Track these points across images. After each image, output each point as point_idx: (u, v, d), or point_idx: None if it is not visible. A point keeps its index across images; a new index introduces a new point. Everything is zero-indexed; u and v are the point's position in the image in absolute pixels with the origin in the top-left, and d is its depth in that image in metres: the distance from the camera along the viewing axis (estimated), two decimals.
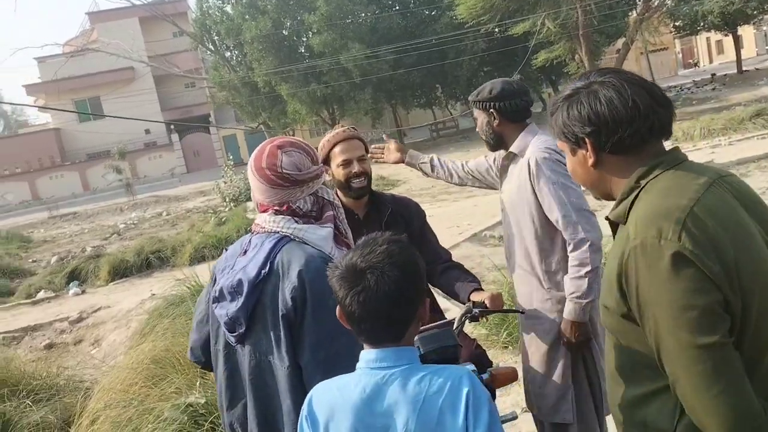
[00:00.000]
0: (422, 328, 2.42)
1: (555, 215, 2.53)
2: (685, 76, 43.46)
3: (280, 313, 1.74)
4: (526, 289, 2.71)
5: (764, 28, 43.87)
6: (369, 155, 2.87)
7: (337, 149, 2.70)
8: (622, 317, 1.35)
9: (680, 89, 30.85)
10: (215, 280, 1.92)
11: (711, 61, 51.81)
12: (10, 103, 43.91)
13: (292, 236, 1.83)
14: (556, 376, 2.64)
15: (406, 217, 2.81)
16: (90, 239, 18.65)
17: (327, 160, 2.75)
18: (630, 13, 27.79)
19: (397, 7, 31.65)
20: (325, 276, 1.62)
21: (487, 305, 2.45)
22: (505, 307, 2.64)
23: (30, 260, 16.25)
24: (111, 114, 37.26)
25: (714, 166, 1.46)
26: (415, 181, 18.87)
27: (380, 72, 28.21)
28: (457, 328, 2.33)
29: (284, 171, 1.83)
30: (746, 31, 40.53)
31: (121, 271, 11.14)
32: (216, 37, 31.98)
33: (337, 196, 2.80)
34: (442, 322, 2.43)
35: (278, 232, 1.84)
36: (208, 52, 34.36)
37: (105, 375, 4.72)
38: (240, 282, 1.80)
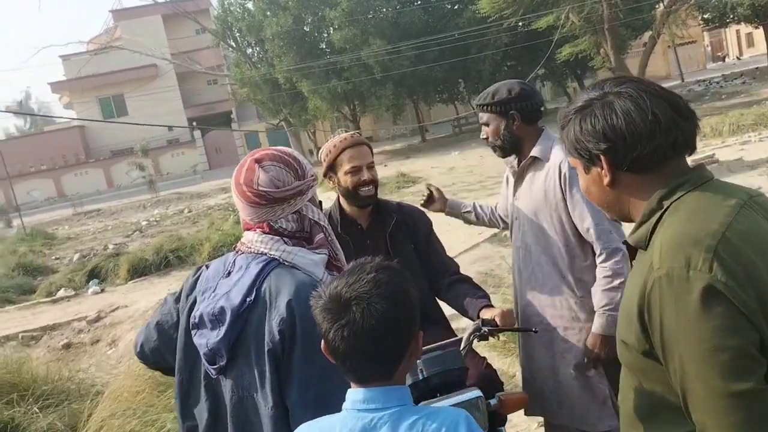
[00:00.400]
0: (428, 347, 2.29)
1: (587, 224, 2.39)
2: (714, 69, 42.57)
3: (266, 348, 1.57)
4: (552, 301, 2.53)
5: None
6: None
7: (345, 156, 2.55)
8: (642, 354, 1.19)
9: (709, 83, 30.22)
10: (194, 301, 1.74)
11: (741, 54, 50.67)
12: (28, 114, 44.41)
13: (281, 260, 1.66)
14: (595, 384, 2.51)
15: (412, 227, 2.67)
16: (112, 236, 18.79)
17: (332, 167, 2.60)
18: (657, 6, 27.24)
19: (419, 2, 31.39)
20: None
21: (498, 323, 2.31)
22: (516, 326, 2.50)
23: (53, 257, 16.40)
24: (130, 122, 37.61)
25: (743, 186, 1.30)
26: (436, 177, 18.69)
27: (402, 67, 27.99)
28: (464, 348, 2.19)
29: (260, 188, 1.66)
30: None
31: (140, 270, 11.15)
32: (237, 34, 32.04)
33: (340, 205, 2.66)
34: (449, 341, 2.29)
35: (266, 254, 1.67)
36: (230, 49, 34.46)
37: (115, 379, 4.66)
38: (222, 310, 1.62)
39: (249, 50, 33.17)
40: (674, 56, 38.06)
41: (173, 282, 9.52)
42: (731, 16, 31.56)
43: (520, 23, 25.22)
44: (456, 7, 31.07)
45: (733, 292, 1.06)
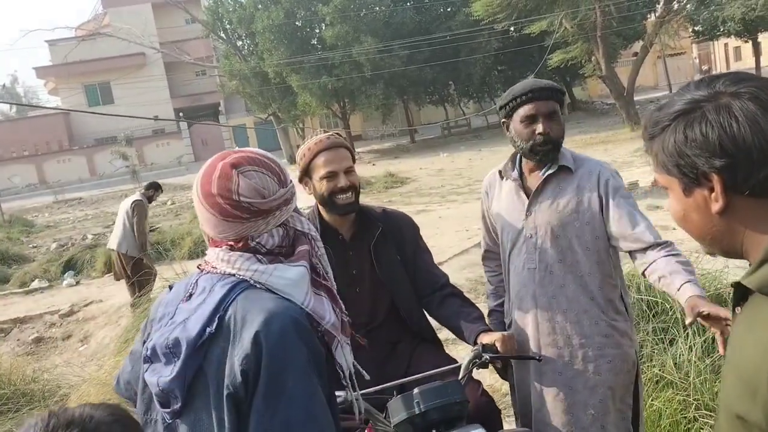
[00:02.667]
0: (423, 375, 2.08)
1: (640, 226, 2.16)
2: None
3: (225, 392, 1.29)
4: (580, 327, 2.25)
5: None
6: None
7: (319, 159, 2.29)
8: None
9: None
10: (149, 332, 1.46)
11: (728, 68, 51.07)
12: (11, 103, 43.61)
13: (252, 281, 1.37)
14: (630, 411, 2.30)
15: (398, 238, 2.43)
16: (92, 226, 18.43)
17: (307, 172, 2.34)
18: (648, 16, 27.28)
19: (412, 2, 31.22)
20: (291, 341, 1.22)
21: (499, 349, 2.10)
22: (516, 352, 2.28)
23: (31, 246, 16.03)
24: (116, 110, 37.13)
25: None
26: (425, 179, 18.54)
27: (393, 67, 27.82)
28: (464, 377, 1.98)
29: (242, 199, 1.36)
30: (766, 39, 39.81)
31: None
32: (228, 26, 31.68)
33: (319, 213, 2.43)
34: (446, 368, 2.08)
35: (234, 275, 1.39)
36: (220, 41, 34.06)
37: (82, 383, 4.40)
38: (177, 342, 1.34)
39: (239, 42, 32.81)
40: (663, 67, 38.23)
41: None
42: (721, 29, 31.67)
43: (512, 28, 25.11)
44: (449, 9, 30.96)
45: None
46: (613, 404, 2.26)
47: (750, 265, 1.00)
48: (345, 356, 1.46)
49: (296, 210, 1.49)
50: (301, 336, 1.30)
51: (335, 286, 1.51)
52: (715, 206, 0.99)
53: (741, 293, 1.00)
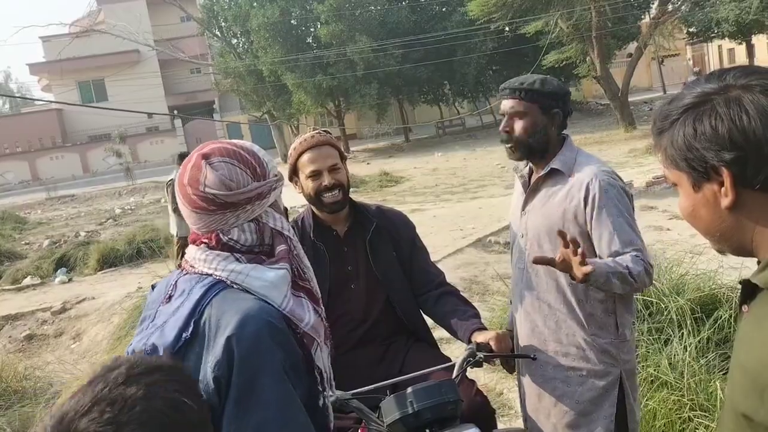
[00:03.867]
0: (417, 374, 2.06)
1: (617, 244, 2.05)
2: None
3: None
4: (557, 335, 2.22)
5: None
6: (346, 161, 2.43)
7: (304, 158, 2.30)
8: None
9: None
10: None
11: None
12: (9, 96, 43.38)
13: (228, 282, 1.34)
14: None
15: (393, 235, 2.42)
16: (85, 223, 18.35)
17: (295, 171, 2.35)
18: (643, 17, 27.33)
19: (407, 1, 31.19)
20: (265, 345, 1.18)
21: (493, 348, 2.09)
22: (512, 351, 2.27)
23: (23, 242, 15.95)
24: (110, 107, 36.97)
25: None
26: (419, 178, 18.54)
27: (387, 66, 27.80)
28: (457, 375, 1.97)
29: (207, 190, 1.33)
30: (760, 41, 39.95)
31: (110, 260, 10.79)
32: (223, 24, 31.57)
33: (313, 211, 2.42)
34: (440, 367, 2.07)
35: (211, 276, 1.35)
36: (215, 39, 33.95)
37: (75, 380, 4.37)
38: (155, 348, 1.31)
39: (234, 40, 32.71)
40: (657, 68, 38.32)
41: (144, 275, 9.19)
42: (716, 31, 31.77)
43: (507, 28, 25.11)
44: (444, 9, 30.93)
45: None
46: (579, 419, 2.19)
47: (759, 262, 0.99)
48: (324, 360, 1.42)
49: (274, 206, 1.43)
50: (275, 339, 1.26)
51: (316, 288, 1.46)
52: (725, 201, 0.97)
53: (749, 291, 0.98)
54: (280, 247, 1.40)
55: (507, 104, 2.19)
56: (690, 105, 0.98)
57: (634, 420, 2.24)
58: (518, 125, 2.16)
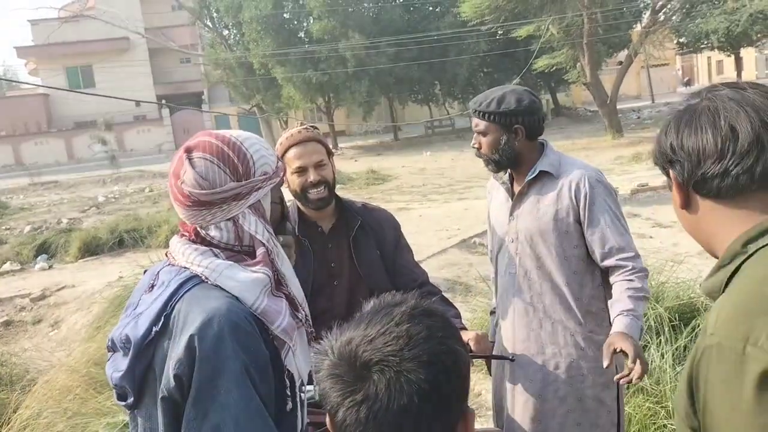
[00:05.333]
0: None
1: (611, 244, 2.14)
2: (683, 93, 43.40)
3: (160, 394, 1.25)
4: (554, 337, 2.24)
5: (766, 51, 43.83)
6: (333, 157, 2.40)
7: (290, 154, 2.27)
8: (692, 431, 0.96)
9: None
10: None
11: (710, 80, 51.78)
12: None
13: (203, 277, 1.32)
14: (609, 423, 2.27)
15: (378, 232, 2.41)
16: (68, 210, 18.14)
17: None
18: (634, 26, 27.55)
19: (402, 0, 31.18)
20: (227, 346, 1.16)
21: (472, 348, 2.10)
22: (491, 352, 2.28)
23: (4, 228, 15.74)
24: (98, 94, 36.63)
25: None
26: (406, 177, 18.55)
27: (379, 64, 27.77)
28: None
29: (183, 186, 1.33)
30: (748, 53, 40.46)
31: (92, 249, 10.69)
32: (215, 14, 31.39)
33: (299, 207, 2.42)
34: None
35: (188, 269, 1.34)
36: (206, 29, 33.74)
37: (51, 368, 4.33)
38: (128, 338, 1.30)
39: (225, 32, 32.53)
40: (647, 77, 38.63)
41: (125, 264, 9.11)
42: (705, 42, 32.11)
43: (500, 31, 25.17)
44: (438, 9, 30.95)
45: None
46: (583, 415, 2.24)
47: None
48: (297, 364, 1.39)
49: (256, 207, 1.39)
50: (239, 340, 1.24)
51: (297, 294, 1.44)
52: (676, 201, 1.08)
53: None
54: (260, 250, 1.37)
55: (474, 122, 2.30)
56: (675, 113, 1.09)
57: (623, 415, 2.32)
58: (483, 142, 2.26)
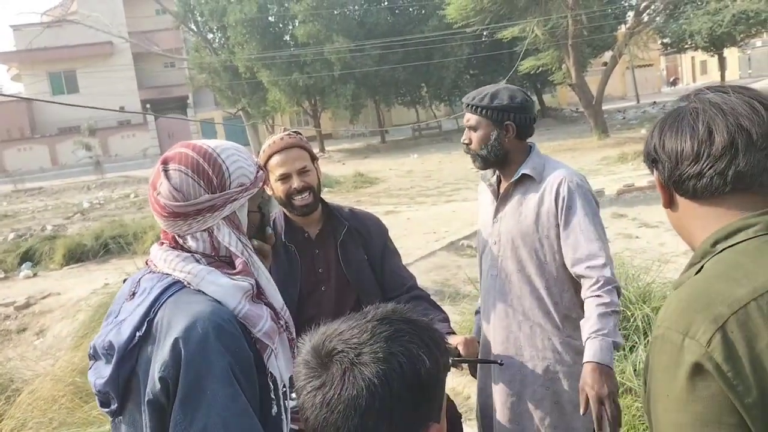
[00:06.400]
0: None
1: (582, 251, 2.11)
2: (668, 93, 43.78)
3: (146, 398, 1.27)
4: (533, 340, 2.24)
5: (749, 51, 44.32)
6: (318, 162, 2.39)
7: (273, 161, 2.26)
8: (647, 414, 1.01)
9: (663, 106, 31.05)
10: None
11: (694, 81, 52.27)
12: None
13: (185, 283, 1.34)
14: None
15: (365, 236, 2.40)
16: (52, 217, 17.98)
17: (266, 173, 2.31)
18: (619, 28, 27.75)
19: (386, 3, 31.19)
20: (212, 348, 1.17)
21: (461, 352, 2.09)
22: (479, 356, 2.27)
23: None
24: (81, 99, 36.38)
25: None
26: (394, 180, 18.55)
27: (365, 67, 27.78)
28: None
29: (158, 197, 1.35)
30: (731, 53, 40.86)
31: (77, 255, 10.62)
32: (199, 18, 31.24)
33: (285, 213, 2.40)
34: None
35: (170, 276, 1.36)
36: (191, 33, 33.59)
37: (36, 377, 4.28)
38: (111, 345, 1.32)
39: (210, 35, 32.39)
40: (632, 78, 38.93)
41: (111, 270, 9.05)
42: (689, 43, 32.39)
43: (485, 33, 25.26)
44: (423, 12, 31.03)
45: (725, 378, 0.86)
46: (560, 419, 2.24)
47: None
48: (279, 368, 1.41)
49: (231, 219, 1.40)
50: (223, 342, 1.25)
51: (277, 302, 1.45)
52: (662, 199, 1.12)
53: None
54: (238, 260, 1.39)
55: (465, 117, 2.32)
56: (666, 114, 1.14)
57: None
58: (473, 137, 2.27)
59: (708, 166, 1.01)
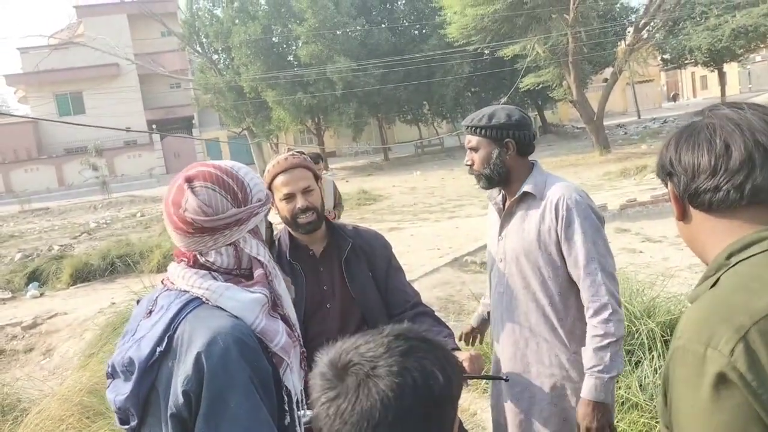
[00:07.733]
0: None
1: (579, 271, 2.15)
2: (669, 108, 43.87)
3: (169, 412, 1.30)
4: (539, 357, 2.26)
5: (749, 66, 44.47)
6: (321, 181, 2.44)
7: (278, 181, 2.31)
8: (666, 428, 1.02)
9: (664, 121, 31.09)
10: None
11: (695, 96, 52.38)
12: None
13: (204, 299, 1.38)
14: None
15: (369, 254, 2.43)
16: (59, 237, 18.05)
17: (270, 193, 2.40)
18: (619, 44, 27.90)
19: (387, 23, 31.48)
20: (233, 361, 1.21)
21: (467, 369, 2.12)
22: (485, 372, 2.30)
23: None
24: (87, 120, 36.67)
25: None
26: (397, 197, 18.59)
27: (367, 86, 27.99)
28: None
29: (187, 214, 1.38)
30: (731, 68, 40.99)
31: (83, 275, 10.62)
32: (204, 39, 31.56)
33: (289, 231, 2.44)
34: None
35: (188, 292, 1.40)
36: (196, 54, 33.91)
37: (44, 398, 4.30)
38: (131, 361, 1.35)
39: (215, 56, 32.71)
40: (632, 93, 39.06)
41: (118, 290, 9.07)
42: (689, 58, 32.52)
43: (486, 51, 25.43)
44: (423, 31, 31.30)
45: (749, 387, 0.87)
46: None
47: None
48: (294, 381, 1.45)
49: (254, 232, 1.46)
50: (243, 355, 1.29)
51: (291, 315, 1.50)
52: (674, 212, 1.14)
53: None
54: (258, 272, 1.44)
55: (467, 139, 2.35)
56: (681, 128, 1.16)
57: None
58: (476, 158, 2.31)
59: (725, 180, 1.03)
